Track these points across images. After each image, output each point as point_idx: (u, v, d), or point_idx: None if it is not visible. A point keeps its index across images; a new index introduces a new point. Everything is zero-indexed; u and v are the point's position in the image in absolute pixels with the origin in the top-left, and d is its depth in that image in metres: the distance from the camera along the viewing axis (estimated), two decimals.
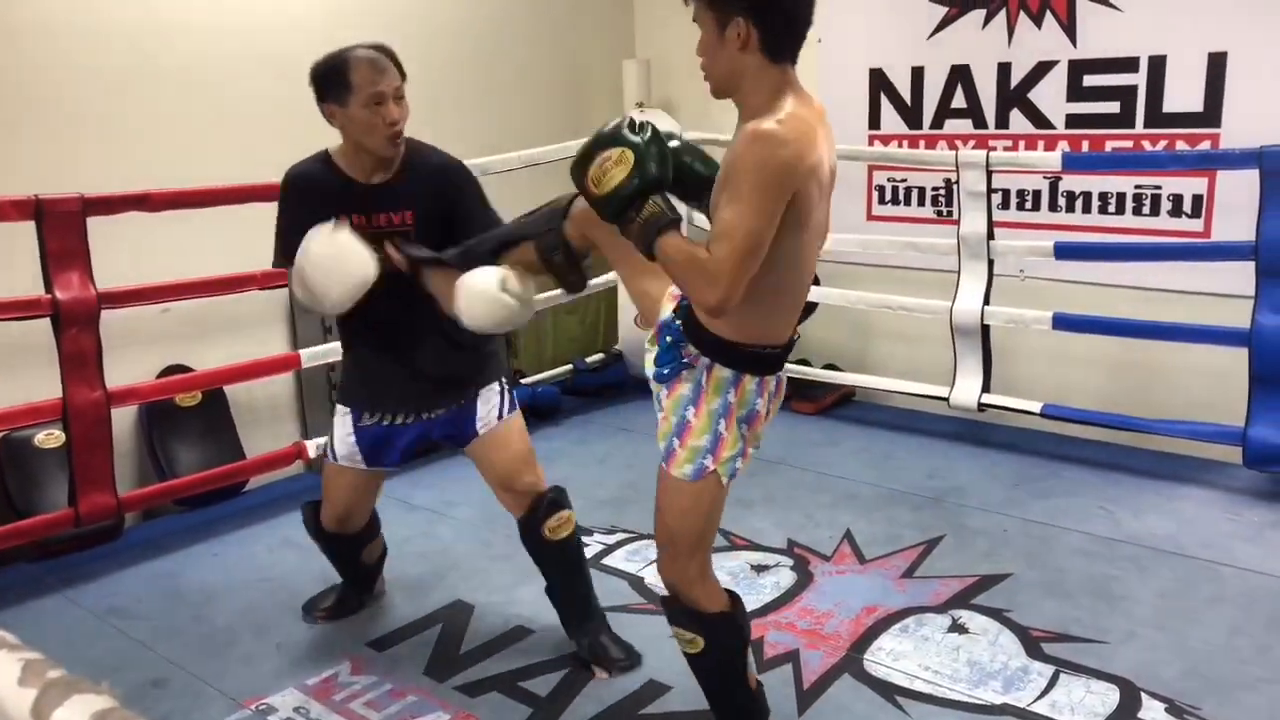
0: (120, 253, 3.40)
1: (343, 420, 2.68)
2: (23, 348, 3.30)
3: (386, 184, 2.55)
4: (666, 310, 2.11)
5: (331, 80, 2.43)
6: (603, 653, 2.71)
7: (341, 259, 2.38)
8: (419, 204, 2.54)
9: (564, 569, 2.74)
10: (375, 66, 2.42)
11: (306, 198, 2.51)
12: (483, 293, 2.27)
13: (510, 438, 2.69)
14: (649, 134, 1.90)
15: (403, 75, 2.49)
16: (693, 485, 2.06)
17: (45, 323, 3.17)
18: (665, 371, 2.07)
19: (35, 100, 3.42)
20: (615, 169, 1.86)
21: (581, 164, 1.92)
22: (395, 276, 2.46)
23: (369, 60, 2.43)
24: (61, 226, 3.16)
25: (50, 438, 3.47)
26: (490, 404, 2.68)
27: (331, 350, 3.72)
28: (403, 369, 2.62)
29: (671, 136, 2.04)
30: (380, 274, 2.42)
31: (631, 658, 2.72)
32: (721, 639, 2.20)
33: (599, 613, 2.79)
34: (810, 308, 4.68)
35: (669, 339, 2.07)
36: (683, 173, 2.04)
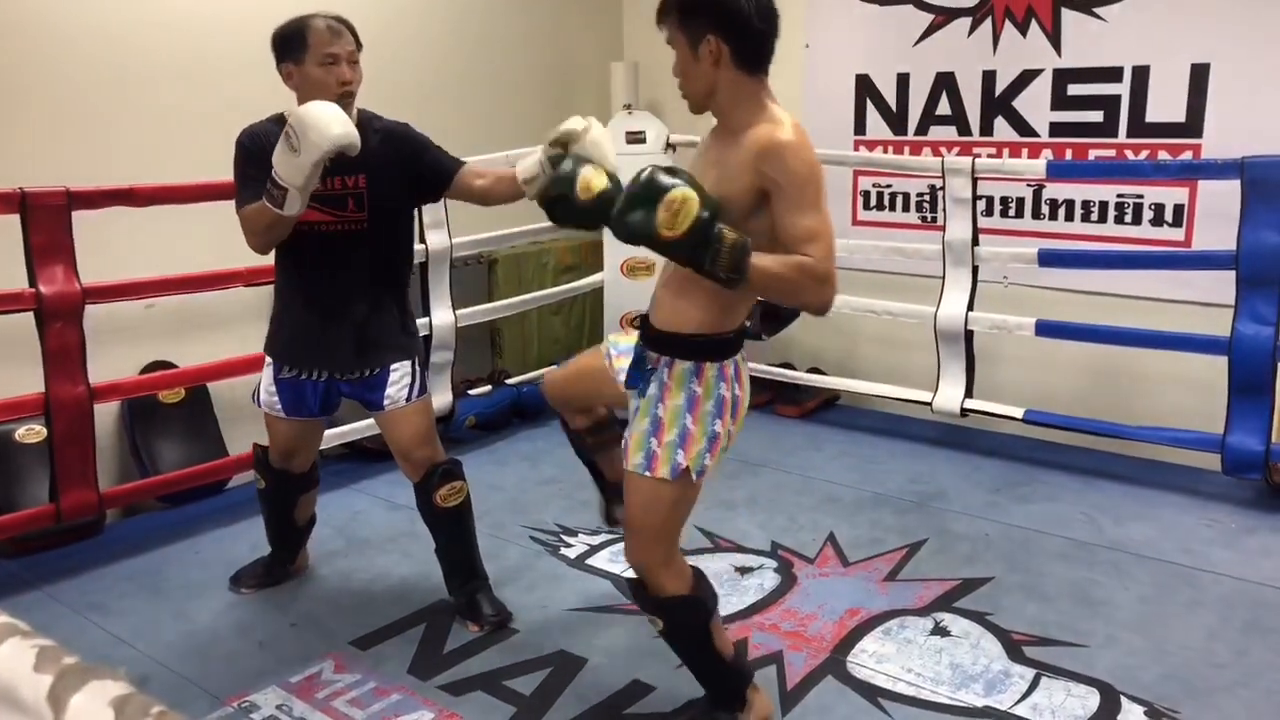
0: (105, 247, 3.38)
1: (267, 371, 2.90)
2: (5, 342, 3.27)
3: None
4: (625, 343, 2.34)
5: (290, 40, 2.61)
6: (475, 609, 2.94)
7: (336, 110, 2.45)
8: (370, 168, 2.67)
9: (451, 533, 2.96)
10: (332, 29, 2.62)
11: (261, 158, 2.56)
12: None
13: (414, 417, 2.87)
14: (680, 173, 1.97)
15: (358, 44, 2.67)
16: (663, 483, 2.15)
17: (28, 317, 3.15)
18: (636, 383, 2.21)
19: (21, 93, 3.40)
20: (682, 210, 1.90)
21: (637, 217, 1.92)
22: (347, 238, 2.70)
23: (326, 24, 2.62)
24: (46, 220, 3.14)
25: (31, 433, 3.44)
26: (401, 385, 2.84)
27: None
28: (329, 329, 2.78)
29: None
30: (331, 235, 2.69)
31: (501, 615, 2.93)
32: (680, 620, 2.30)
33: (480, 575, 3.01)
34: (794, 312, 4.71)
35: (633, 359, 2.24)
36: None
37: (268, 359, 2.89)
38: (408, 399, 2.85)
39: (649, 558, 2.25)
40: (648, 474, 2.15)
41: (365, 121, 2.71)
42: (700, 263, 1.94)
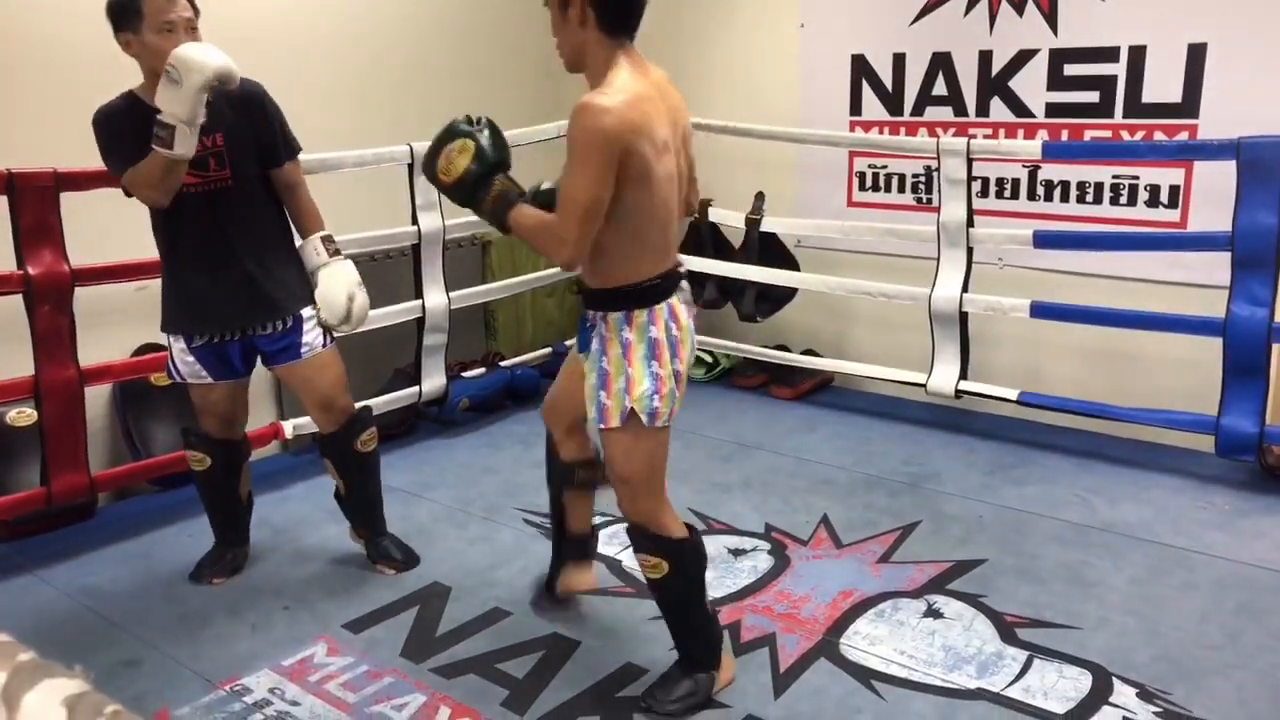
0: (94, 229, 3.35)
1: (175, 345, 2.89)
2: None
3: None
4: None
5: (125, 9, 2.60)
6: (387, 554, 3.14)
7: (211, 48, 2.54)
8: (225, 126, 2.72)
9: (366, 478, 3.12)
10: None
11: (118, 135, 2.65)
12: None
13: (331, 364, 2.96)
14: (484, 125, 2.20)
15: (195, 11, 2.69)
16: (623, 432, 2.24)
17: (17, 299, 3.13)
18: (585, 346, 2.34)
19: (8, 73, 3.37)
20: (459, 157, 2.14)
21: (430, 160, 2.19)
22: (214, 197, 2.73)
23: None
24: (34, 201, 3.11)
25: (22, 416, 3.43)
26: (315, 332, 2.92)
27: None
28: (220, 290, 2.80)
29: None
30: (199, 196, 2.71)
31: (410, 559, 3.15)
32: (686, 561, 2.37)
33: (384, 521, 3.19)
34: (789, 293, 4.70)
35: (579, 325, 2.37)
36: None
37: (170, 337, 2.89)
38: (324, 344, 2.92)
39: (647, 505, 2.33)
40: (602, 426, 2.26)
41: None
42: (473, 208, 2.20)
